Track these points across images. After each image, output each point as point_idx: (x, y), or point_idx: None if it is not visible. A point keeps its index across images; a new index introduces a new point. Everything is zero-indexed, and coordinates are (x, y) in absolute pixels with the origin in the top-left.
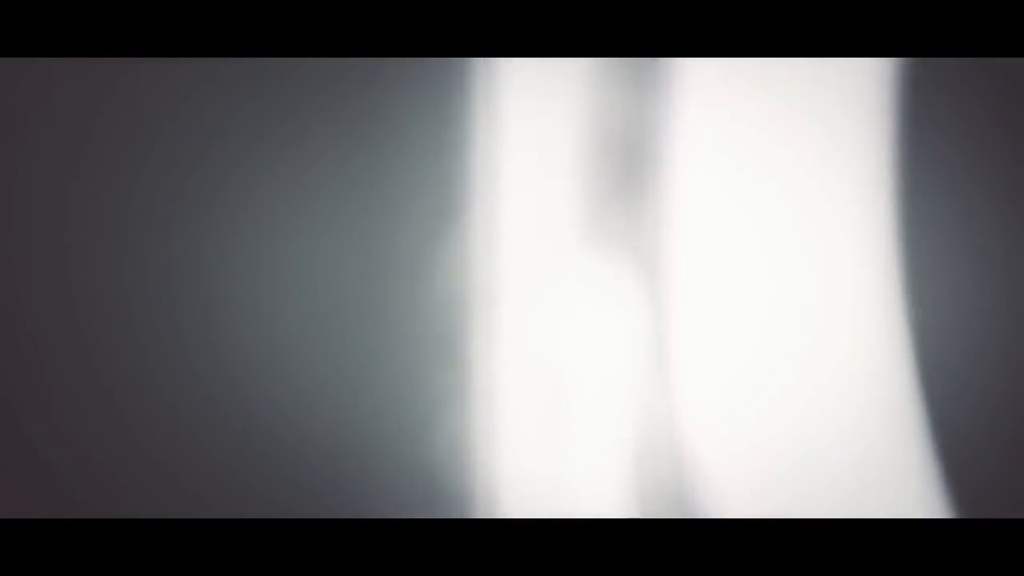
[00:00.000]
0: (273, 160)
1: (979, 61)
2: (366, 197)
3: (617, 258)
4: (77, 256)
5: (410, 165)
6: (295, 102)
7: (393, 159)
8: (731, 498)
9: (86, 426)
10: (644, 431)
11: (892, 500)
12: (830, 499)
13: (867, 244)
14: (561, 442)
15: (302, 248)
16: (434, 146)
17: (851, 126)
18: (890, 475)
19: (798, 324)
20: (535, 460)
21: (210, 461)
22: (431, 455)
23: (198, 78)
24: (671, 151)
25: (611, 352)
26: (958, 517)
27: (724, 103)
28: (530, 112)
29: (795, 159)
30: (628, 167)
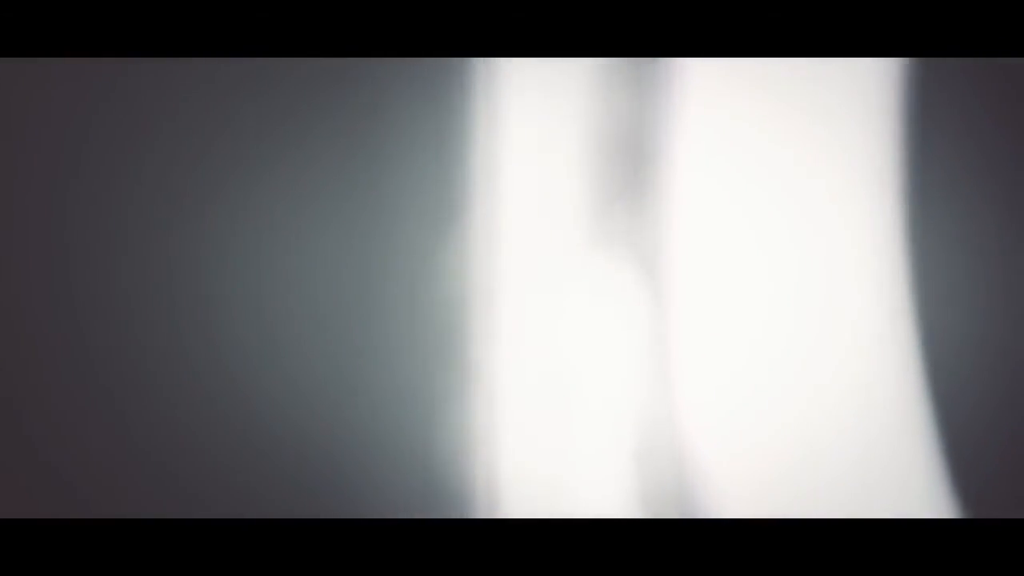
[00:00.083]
0: (273, 160)
1: (980, 61)
2: (366, 197)
3: (617, 258)
4: (77, 256)
5: (410, 165)
6: (295, 102)
7: (393, 159)
8: (732, 498)
9: (86, 426)
10: (645, 431)
11: (893, 500)
12: (831, 499)
13: (867, 244)
14: (562, 442)
15: (302, 248)
16: (434, 146)
17: (851, 126)
18: (891, 475)
19: (799, 324)
20: (536, 460)
21: (210, 461)
22: (431, 455)
23: (198, 78)
24: (672, 151)
25: (612, 352)
26: (961, 517)
27: (725, 103)
28: (530, 112)
29: (796, 159)
30: (628, 167)
